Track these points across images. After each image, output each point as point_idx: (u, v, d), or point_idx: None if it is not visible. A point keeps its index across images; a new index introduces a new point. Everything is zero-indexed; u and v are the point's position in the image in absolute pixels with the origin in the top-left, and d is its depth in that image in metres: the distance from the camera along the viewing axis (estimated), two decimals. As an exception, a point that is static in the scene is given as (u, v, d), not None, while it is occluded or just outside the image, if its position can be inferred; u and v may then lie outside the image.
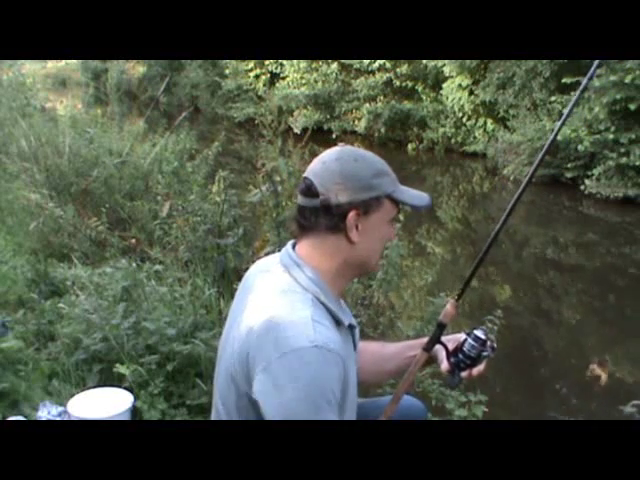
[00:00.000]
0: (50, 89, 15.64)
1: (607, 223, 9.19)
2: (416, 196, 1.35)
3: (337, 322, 1.28)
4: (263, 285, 1.31)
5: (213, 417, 1.38)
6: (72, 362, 2.58)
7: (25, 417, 2.22)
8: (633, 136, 8.92)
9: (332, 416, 1.18)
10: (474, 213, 10.32)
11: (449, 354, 1.47)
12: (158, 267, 3.38)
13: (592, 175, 9.48)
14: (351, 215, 1.26)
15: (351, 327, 1.36)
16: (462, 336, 1.48)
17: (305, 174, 1.32)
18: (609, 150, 9.11)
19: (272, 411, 1.17)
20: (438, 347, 1.48)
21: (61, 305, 2.95)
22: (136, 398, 2.28)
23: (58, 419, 2.23)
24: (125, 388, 2.31)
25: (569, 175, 10.01)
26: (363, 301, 3.13)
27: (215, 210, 3.56)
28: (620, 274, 7.28)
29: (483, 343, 1.45)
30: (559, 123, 1.58)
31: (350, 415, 1.30)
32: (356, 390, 1.36)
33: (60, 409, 2.27)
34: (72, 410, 2.14)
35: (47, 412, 2.26)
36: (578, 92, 1.58)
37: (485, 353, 1.45)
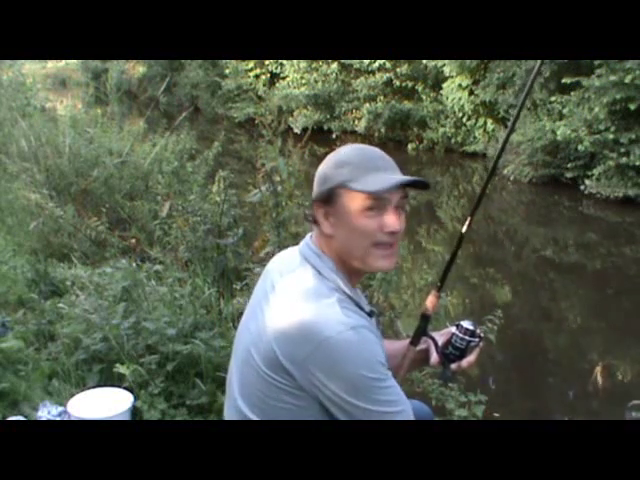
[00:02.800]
0: (50, 89, 15.63)
1: (607, 223, 9.18)
2: (376, 182, 1.25)
3: (360, 308, 1.30)
4: (286, 277, 1.33)
5: (226, 408, 1.38)
6: (72, 362, 2.58)
7: (25, 417, 2.22)
8: (633, 136, 8.91)
9: (392, 380, 1.23)
10: (474, 213, 10.31)
11: (438, 347, 1.48)
12: (158, 267, 3.38)
13: (592, 175, 9.48)
14: (315, 209, 1.32)
15: (371, 314, 1.37)
16: (452, 329, 1.49)
17: None
18: (609, 150, 9.10)
19: (338, 396, 1.19)
20: (429, 342, 1.49)
21: (61, 305, 2.95)
22: (136, 398, 2.28)
23: (58, 419, 2.23)
24: (125, 388, 2.31)
25: (569, 175, 10.00)
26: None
27: (215, 210, 3.56)
28: (620, 274, 7.28)
29: (472, 334, 1.45)
30: (516, 111, 1.61)
31: None
32: None
33: (60, 409, 2.27)
34: (72, 410, 2.14)
35: (47, 412, 2.26)
36: (527, 87, 1.61)
37: (473, 343, 1.45)
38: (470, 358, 1.46)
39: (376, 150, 1.33)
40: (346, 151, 1.33)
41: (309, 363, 1.18)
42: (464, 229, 1.54)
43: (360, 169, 1.27)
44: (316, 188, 1.32)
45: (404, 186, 1.29)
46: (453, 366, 1.46)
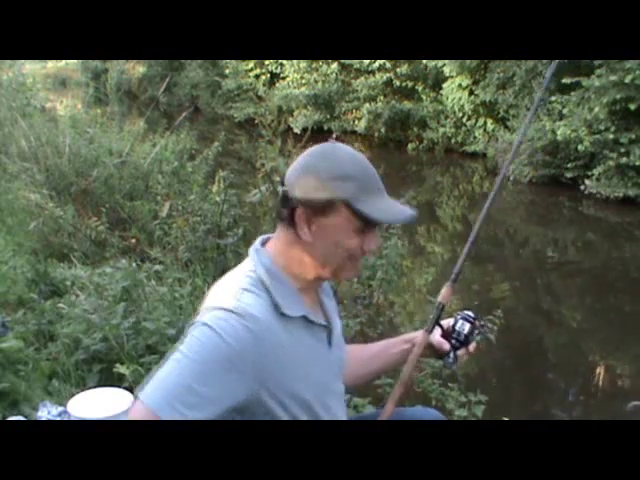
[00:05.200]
0: (50, 89, 15.62)
1: (607, 223, 9.19)
2: (386, 210, 1.24)
3: (275, 307, 1.23)
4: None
5: None
6: (72, 362, 2.58)
7: (25, 417, 2.22)
8: (633, 136, 8.91)
9: (225, 378, 1.15)
10: (474, 213, 10.32)
11: (444, 335, 1.52)
12: (158, 267, 3.38)
13: (592, 175, 9.48)
14: (299, 212, 1.22)
15: (307, 320, 1.29)
16: (451, 320, 1.53)
17: None
18: (609, 150, 9.11)
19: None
20: (437, 329, 1.52)
21: (61, 305, 2.95)
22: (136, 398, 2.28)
23: (58, 419, 2.23)
24: (125, 388, 2.31)
25: (569, 175, 10.01)
26: (363, 301, 3.13)
27: (215, 210, 3.56)
28: (620, 274, 7.28)
29: (473, 321, 1.51)
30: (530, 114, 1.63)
31: (298, 406, 1.25)
32: (319, 387, 1.31)
33: (60, 409, 2.27)
34: (72, 410, 2.14)
35: (47, 412, 2.26)
36: (542, 89, 1.64)
37: (477, 331, 1.52)
38: (474, 344, 1.51)
39: (369, 163, 1.29)
40: (344, 160, 1.24)
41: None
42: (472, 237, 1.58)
43: (365, 188, 1.22)
44: (305, 191, 1.21)
45: None
46: (460, 352, 1.50)
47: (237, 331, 1.15)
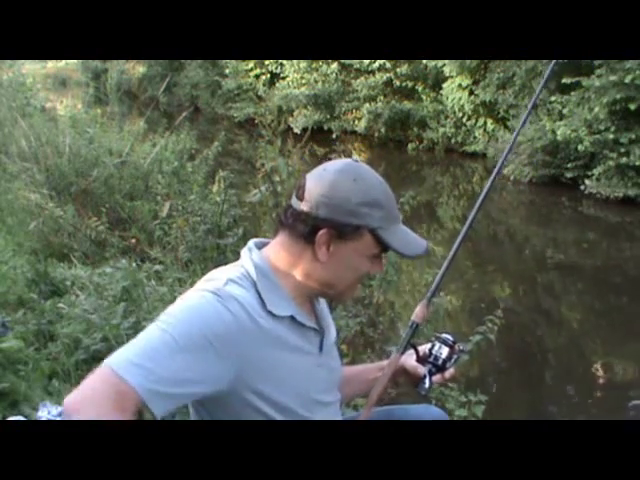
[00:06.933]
0: (50, 89, 15.66)
1: (607, 223, 9.19)
2: (407, 242, 1.26)
3: (262, 304, 1.21)
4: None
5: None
6: (72, 362, 2.58)
7: (25, 417, 2.22)
8: (633, 136, 8.91)
9: (200, 356, 1.11)
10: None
11: (419, 359, 1.45)
12: (158, 267, 3.38)
13: (592, 175, 9.48)
14: (322, 232, 1.20)
15: (296, 321, 1.26)
16: (428, 345, 1.47)
17: (307, 174, 1.28)
18: (609, 150, 9.10)
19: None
20: (408, 352, 1.45)
21: (61, 305, 2.95)
22: (136, 398, 2.28)
23: (58, 419, 2.23)
24: (125, 388, 2.31)
25: (569, 175, 10.00)
26: (363, 301, 3.13)
27: (215, 210, 3.57)
28: (620, 274, 7.28)
29: (452, 344, 1.44)
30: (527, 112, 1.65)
31: (286, 403, 1.23)
32: (300, 392, 1.27)
33: (60, 409, 2.26)
34: (72, 410, 2.14)
35: (47, 412, 2.25)
36: (538, 89, 1.65)
37: (455, 356, 1.44)
38: (452, 370, 1.45)
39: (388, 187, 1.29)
40: (374, 185, 1.24)
41: None
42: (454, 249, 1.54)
43: (389, 217, 1.24)
44: (334, 213, 1.20)
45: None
46: (435, 378, 1.43)
47: (220, 313, 1.13)
